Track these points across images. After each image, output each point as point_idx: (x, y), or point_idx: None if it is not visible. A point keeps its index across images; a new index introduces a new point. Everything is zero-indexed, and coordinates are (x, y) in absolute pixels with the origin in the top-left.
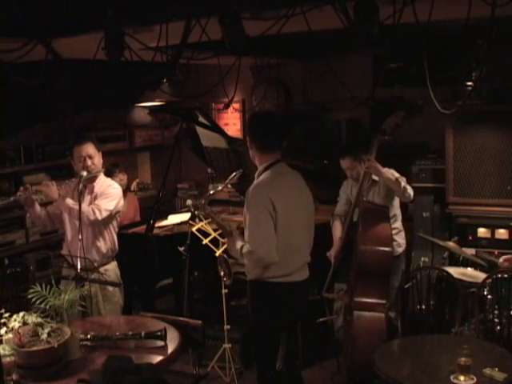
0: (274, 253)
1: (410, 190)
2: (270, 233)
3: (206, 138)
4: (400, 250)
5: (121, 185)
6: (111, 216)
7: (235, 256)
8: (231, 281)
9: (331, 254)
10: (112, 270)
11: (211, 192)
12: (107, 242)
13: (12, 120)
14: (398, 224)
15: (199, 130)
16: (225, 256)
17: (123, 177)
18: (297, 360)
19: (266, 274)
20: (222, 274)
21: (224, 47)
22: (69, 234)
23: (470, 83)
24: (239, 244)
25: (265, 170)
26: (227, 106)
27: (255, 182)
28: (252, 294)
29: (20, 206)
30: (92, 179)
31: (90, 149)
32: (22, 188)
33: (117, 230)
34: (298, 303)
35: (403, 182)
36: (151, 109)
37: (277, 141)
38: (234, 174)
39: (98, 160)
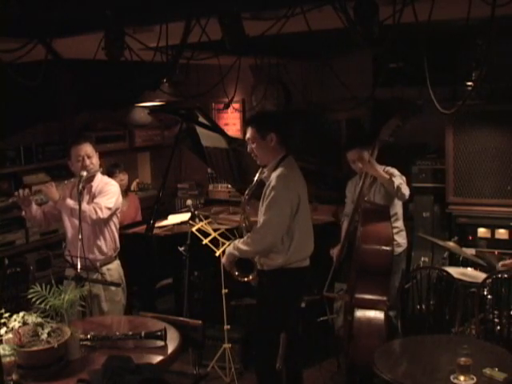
0: (279, 240)
1: (405, 190)
2: (284, 221)
3: (206, 137)
4: (400, 249)
5: (121, 185)
6: (111, 214)
7: (234, 253)
8: (253, 276)
9: (334, 252)
10: (115, 269)
11: (252, 186)
12: (108, 241)
13: (12, 120)
14: (399, 223)
15: (199, 129)
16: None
17: (124, 177)
18: (299, 360)
19: (291, 258)
20: (236, 276)
21: (224, 47)
22: (69, 234)
23: (470, 83)
24: (232, 243)
25: (280, 162)
26: (227, 105)
27: (278, 171)
28: (273, 282)
29: (19, 206)
30: (90, 179)
31: (88, 148)
32: (16, 193)
33: (118, 227)
34: (306, 286)
35: (397, 181)
36: (151, 109)
37: (290, 133)
38: (261, 169)
39: (95, 160)
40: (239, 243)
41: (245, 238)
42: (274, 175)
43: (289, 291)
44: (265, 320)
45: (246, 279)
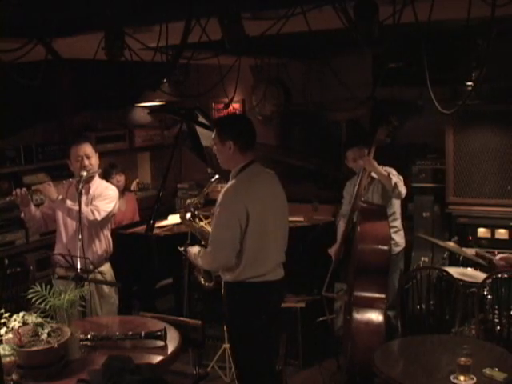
0: (232, 258)
1: (402, 188)
2: (234, 239)
3: (206, 138)
4: (398, 249)
5: (118, 186)
6: (108, 218)
7: (191, 260)
8: (213, 284)
9: (332, 251)
10: (107, 271)
11: (191, 201)
12: (103, 244)
13: (12, 120)
14: (397, 223)
15: (199, 130)
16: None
17: (120, 178)
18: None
19: (241, 275)
20: (200, 279)
21: (224, 47)
22: (64, 236)
23: (470, 83)
24: (196, 249)
25: (241, 170)
26: (227, 105)
27: (231, 183)
28: (228, 295)
29: (18, 207)
30: (88, 179)
31: (87, 149)
32: (13, 192)
33: (110, 230)
34: (274, 302)
35: (394, 178)
36: (151, 109)
37: (254, 141)
38: (212, 180)
39: (95, 160)
40: (199, 256)
41: (205, 250)
42: (222, 191)
43: (246, 304)
44: (228, 326)
45: (206, 284)
